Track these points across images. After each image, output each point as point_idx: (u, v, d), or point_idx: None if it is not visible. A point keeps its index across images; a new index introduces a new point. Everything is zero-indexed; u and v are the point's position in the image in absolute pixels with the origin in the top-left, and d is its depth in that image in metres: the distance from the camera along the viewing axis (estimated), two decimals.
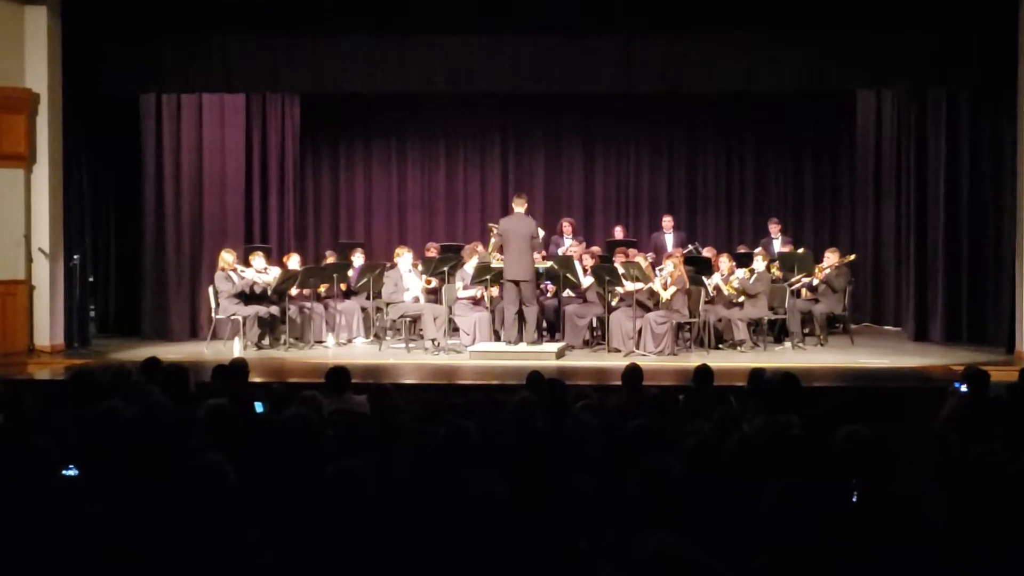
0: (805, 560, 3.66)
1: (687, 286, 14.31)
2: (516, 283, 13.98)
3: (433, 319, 14.56)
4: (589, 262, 15.14)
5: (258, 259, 15.23)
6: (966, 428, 6.97)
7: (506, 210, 18.82)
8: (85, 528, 2.56)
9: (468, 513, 4.06)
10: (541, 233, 14.72)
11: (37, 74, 14.53)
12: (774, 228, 17.14)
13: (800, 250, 16.44)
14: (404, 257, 15.17)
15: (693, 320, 14.56)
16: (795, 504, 3.73)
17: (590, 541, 4.08)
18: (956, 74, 14.31)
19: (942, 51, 14.10)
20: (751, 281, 14.73)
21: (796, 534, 3.69)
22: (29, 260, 14.51)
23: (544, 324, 14.90)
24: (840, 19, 14.14)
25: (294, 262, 15.67)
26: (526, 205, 14.36)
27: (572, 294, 15.20)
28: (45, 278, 14.60)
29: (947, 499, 4.53)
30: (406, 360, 14.08)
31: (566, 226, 17.07)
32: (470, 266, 15.00)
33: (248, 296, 14.89)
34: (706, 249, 16.76)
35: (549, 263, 15.12)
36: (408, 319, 14.98)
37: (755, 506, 3.90)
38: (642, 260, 14.87)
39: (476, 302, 15.04)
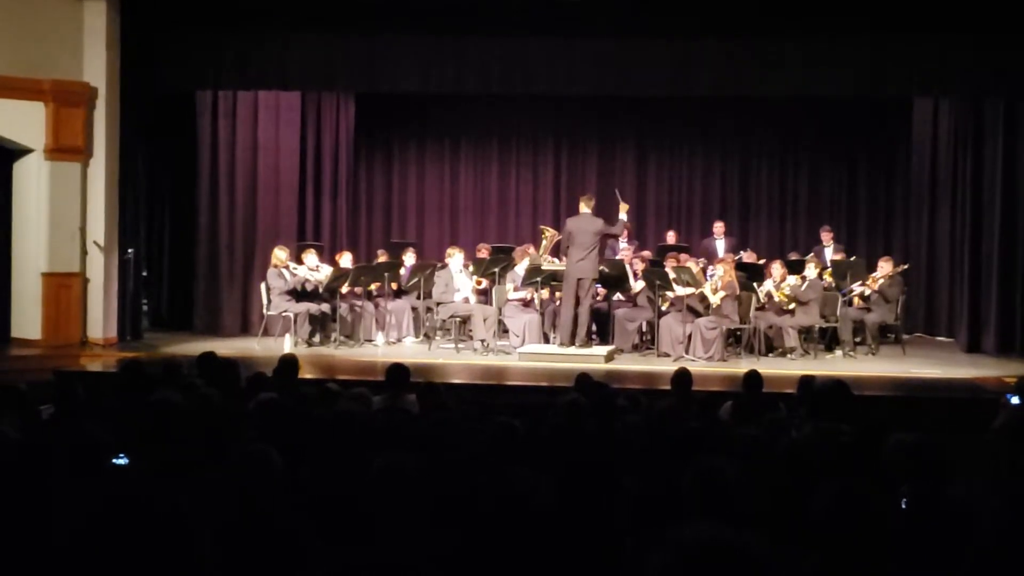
0: (858, 560, 3.63)
1: (737, 292, 14.24)
2: (577, 281, 13.87)
3: (483, 320, 14.58)
4: (640, 266, 15.10)
5: (310, 257, 15.32)
6: (1019, 440, 6.89)
7: (558, 213, 18.87)
8: (136, 509, 2.57)
9: (511, 512, 4.05)
10: (617, 226, 14.58)
11: (95, 68, 14.64)
12: (826, 236, 16.98)
13: (852, 258, 16.31)
14: (455, 257, 15.21)
15: (744, 326, 14.48)
16: (850, 503, 3.70)
17: (636, 540, 4.06)
18: (1015, 83, 14.16)
19: (1001, 59, 13.95)
20: (803, 288, 14.62)
21: (850, 533, 3.66)
22: (84, 253, 14.63)
23: (594, 327, 14.87)
24: (899, 26, 14.00)
25: (346, 260, 15.73)
26: (593, 204, 14.25)
27: (622, 298, 15.16)
28: (100, 271, 14.72)
29: (999, 510, 4.48)
30: (455, 360, 14.10)
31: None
32: (521, 268, 14.99)
33: (300, 293, 14.98)
34: (750, 255, 16.65)
35: (600, 267, 15.09)
36: (458, 319, 15.01)
37: (806, 507, 3.88)
38: (693, 265, 14.82)
39: (526, 304, 15.03)
